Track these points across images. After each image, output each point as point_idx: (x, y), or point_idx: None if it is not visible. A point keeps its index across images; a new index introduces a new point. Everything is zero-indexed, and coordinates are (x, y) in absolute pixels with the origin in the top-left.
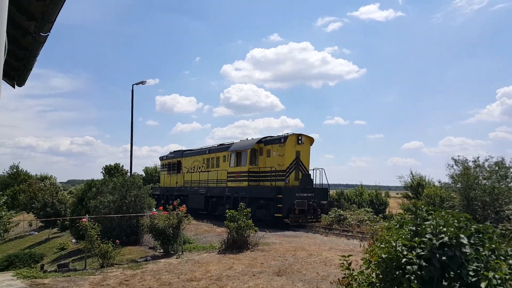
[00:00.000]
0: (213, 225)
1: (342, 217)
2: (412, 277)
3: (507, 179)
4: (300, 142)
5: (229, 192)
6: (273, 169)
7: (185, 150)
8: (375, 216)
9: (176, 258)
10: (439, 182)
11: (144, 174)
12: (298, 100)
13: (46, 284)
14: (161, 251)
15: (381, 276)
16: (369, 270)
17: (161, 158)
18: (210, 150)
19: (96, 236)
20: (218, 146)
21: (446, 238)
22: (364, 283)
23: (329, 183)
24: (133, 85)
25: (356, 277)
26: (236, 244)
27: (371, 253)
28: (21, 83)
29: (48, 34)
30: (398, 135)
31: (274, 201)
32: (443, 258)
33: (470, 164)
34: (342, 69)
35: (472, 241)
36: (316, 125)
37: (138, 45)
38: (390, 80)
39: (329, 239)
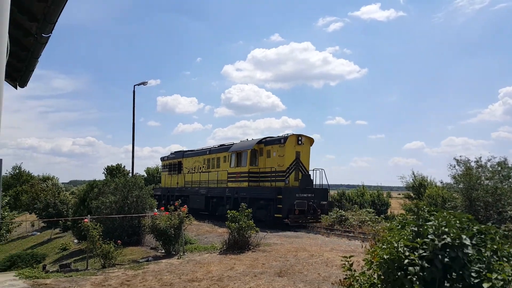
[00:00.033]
0: (214, 225)
1: (343, 217)
2: (414, 278)
3: (510, 180)
4: (300, 142)
5: (229, 193)
6: (273, 170)
7: (186, 151)
8: (376, 216)
9: (178, 258)
10: (441, 182)
11: (145, 175)
12: (299, 100)
13: (48, 284)
14: (163, 251)
15: (382, 277)
16: (370, 271)
17: (162, 159)
18: (211, 150)
19: (98, 236)
20: (218, 146)
21: (448, 239)
22: (366, 284)
23: (330, 183)
24: (134, 85)
25: (357, 278)
26: (237, 245)
27: (373, 254)
28: (23, 84)
29: (50, 35)
30: (400, 135)
31: (274, 202)
32: (446, 259)
33: (472, 164)
34: (343, 69)
35: (474, 242)
36: (317, 125)
37: (139, 45)
38: (392, 80)
39: (330, 240)
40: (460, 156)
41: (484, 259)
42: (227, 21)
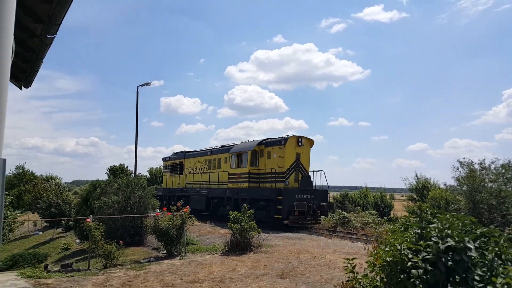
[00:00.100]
0: (216, 226)
1: (346, 219)
2: (417, 281)
3: None
4: (300, 144)
5: (230, 194)
6: (273, 171)
7: (188, 152)
8: (379, 218)
9: (179, 259)
10: (445, 184)
11: (148, 175)
12: (302, 101)
13: (49, 284)
14: (164, 252)
15: (385, 280)
16: (373, 273)
17: (164, 159)
18: (212, 151)
19: (100, 236)
20: (219, 147)
21: (452, 242)
22: (369, 287)
23: (333, 184)
24: (138, 86)
25: (360, 280)
26: (239, 246)
27: (376, 256)
28: (27, 84)
29: (55, 36)
30: (403, 136)
31: (274, 203)
32: (449, 262)
33: (476, 166)
34: (346, 70)
35: (477, 245)
36: (320, 126)
37: (143, 47)
38: (395, 81)
39: (333, 242)
40: (464, 158)
41: (487, 262)
42: (230, 22)
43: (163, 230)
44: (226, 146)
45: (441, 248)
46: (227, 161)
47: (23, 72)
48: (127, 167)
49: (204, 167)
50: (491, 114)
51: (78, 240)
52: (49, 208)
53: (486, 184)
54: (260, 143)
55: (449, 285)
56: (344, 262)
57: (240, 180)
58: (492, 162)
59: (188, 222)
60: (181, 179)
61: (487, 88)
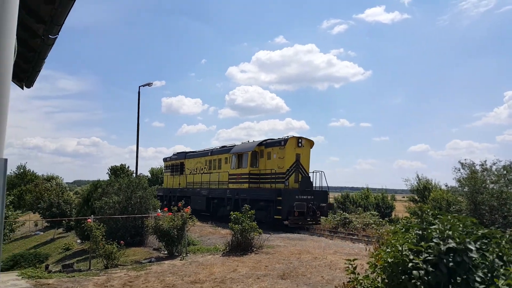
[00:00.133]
0: (217, 227)
1: (347, 220)
2: (418, 282)
3: None
4: (300, 145)
5: (230, 194)
6: (273, 172)
7: (188, 152)
8: (381, 219)
9: (180, 259)
10: (446, 185)
11: (149, 175)
12: (303, 102)
13: (50, 284)
14: (166, 252)
15: (386, 281)
16: (374, 274)
17: (165, 160)
18: (212, 152)
19: (101, 236)
20: (220, 148)
21: (453, 244)
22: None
23: (334, 185)
24: (139, 87)
25: (361, 281)
26: (240, 247)
27: (377, 257)
28: (29, 84)
29: (57, 37)
30: (404, 137)
31: (274, 203)
32: (450, 263)
33: (477, 167)
34: (348, 71)
35: (478, 246)
36: (321, 127)
37: (144, 47)
38: (396, 83)
39: (334, 243)
40: (465, 160)
41: (487, 263)
42: (232, 23)
43: (164, 231)
44: (226, 146)
45: (442, 249)
46: (228, 162)
47: (25, 72)
48: (128, 167)
49: (205, 168)
50: (493, 115)
51: (79, 240)
52: (50, 208)
53: (487, 186)
54: (260, 144)
55: (450, 286)
56: (345, 263)
57: (240, 180)
58: (494, 164)
59: (189, 223)
60: (181, 179)
61: (489, 89)
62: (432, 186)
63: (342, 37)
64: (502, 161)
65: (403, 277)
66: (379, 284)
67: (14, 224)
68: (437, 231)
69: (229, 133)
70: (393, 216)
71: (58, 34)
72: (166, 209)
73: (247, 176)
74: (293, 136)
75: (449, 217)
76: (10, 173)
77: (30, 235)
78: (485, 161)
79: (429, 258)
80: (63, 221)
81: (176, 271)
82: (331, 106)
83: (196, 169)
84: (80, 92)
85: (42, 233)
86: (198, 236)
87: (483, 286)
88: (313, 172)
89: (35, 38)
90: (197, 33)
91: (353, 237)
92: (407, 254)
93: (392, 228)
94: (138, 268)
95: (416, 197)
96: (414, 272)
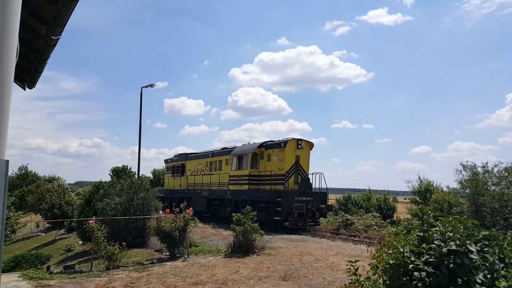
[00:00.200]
0: (219, 228)
1: (349, 221)
2: (419, 284)
3: None
4: (300, 147)
5: (230, 195)
6: (273, 173)
7: (189, 153)
8: (382, 221)
9: (182, 261)
10: (448, 187)
11: (152, 176)
12: (305, 103)
13: (52, 285)
14: (167, 254)
15: (388, 282)
16: (376, 276)
17: (166, 161)
18: (213, 153)
19: (102, 238)
20: (220, 149)
21: (454, 246)
22: None
23: (336, 187)
24: (142, 88)
25: (363, 282)
26: (242, 248)
27: (378, 259)
28: (31, 85)
29: (59, 38)
30: (406, 139)
31: (273, 205)
32: (451, 265)
33: (479, 169)
34: (350, 73)
35: (478, 248)
36: (323, 128)
37: (147, 48)
38: (398, 84)
39: (336, 244)
40: (467, 161)
41: (488, 264)
42: (235, 24)
43: (166, 232)
44: (227, 148)
45: (443, 251)
46: (228, 163)
47: (27, 73)
48: (130, 168)
49: (206, 169)
50: (495, 117)
51: (80, 242)
52: (52, 209)
53: (489, 187)
54: (261, 145)
55: (451, 287)
56: (347, 265)
57: (240, 182)
58: (495, 166)
59: (191, 224)
60: (182, 180)
61: (491, 92)
62: (433, 188)
63: (345, 39)
64: (504, 163)
65: (404, 278)
66: (380, 286)
67: (16, 225)
68: (438, 232)
69: (232, 134)
70: (394, 217)
71: (60, 35)
72: (168, 210)
73: (247, 177)
74: (293, 138)
75: (450, 219)
76: (12, 174)
77: (32, 236)
78: (487, 163)
79: (430, 259)
80: (65, 222)
81: (178, 273)
82: (333, 107)
83: (197, 170)
84: (82, 93)
85: (43, 234)
86: (200, 237)
87: (484, 287)
88: (312, 173)
89: (38, 39)
90: (199, 34)
91: (355, 239)
92: (409, 255)
93: (394, 229)
94: (140, 270)
95: (418, 199)
96: (415, 273)
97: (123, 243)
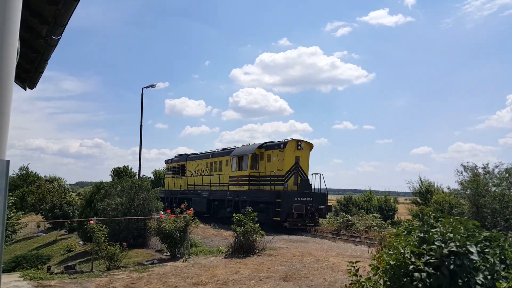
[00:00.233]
0: (220, 229)
1: (350, 222)
2: (420, 285)
3: None
4: (299, 147)
5: (230, 196)
6: (272, 174)
7: (190, 154)
8: (383, 222)
9: (183, 261)
10: (448, 188)
11: (152, 177)
12: (306, 104)
13: (52, 286)
14: (168, 254)
15: (388, 283)
16: (376, 276)
17: (167, 162)
18: (213, 154)
19: (103, 238)
20: (221, 150)
21: (454, 247)
22: None
23: (337, 188)
24: (143, 88)
25: (363, 283)
26: (243, 249)
27: (379, 260)
28: (32, 85)
29: (60, 38)
30: (407, 140)
31: (273, 205)
32: (452, 266)
33: (480, 170)
34: (351, 74)
35: (479, 249)
36: (324, 129)
37: (148, 48)
38: (399, 85)
39: (336, 245)
40: (468, 162)
41: (489, 265)
42: (236, 25)
43: (166, 232)
44: (227, 149)
45: (444, 252)
46: (228, 164)
47: (28, 73)
48: (131, 169)
49: (206, 170)
50: (495, 118)
51: (81, 242)
52: (53, 210)
53: (489, 189)
54: (260, 146)
55: None
56: (347, 265)
57: (240, 182)
58: (496, 167)
59: (192, 225)
60: (183, 181)
61: (491, 93)
62: (434, 189)
63: (346, 40)
64: (505, 164)
65: (405, 279)
66: (381, 286)
67: (17, 225)
68: (439, 233)
69: (233, 135)
70: (395, 218)
71: (61, 35)
72: (168, 210)
73: (247, 178)
74: (293, 139)
75: (451, 219)
76: (13, 174)
77: (33, 237)
78: (488, 164)
79: (431, 260)
80: (66, 223)
81: (178, 273)
82: (334, 108)
83: (197, 171)
84: (83, 93)
85: (44, 234)
86: (200, 238)
87: None
88: (312, 174)
89: (38, 39)
90: (201, 34)
91: (356, 240)
92: (409, 256)
93: (394, 230)
94: (140, 270)
95: (419, 200)
96: (416, 274)
97: (124, 243)
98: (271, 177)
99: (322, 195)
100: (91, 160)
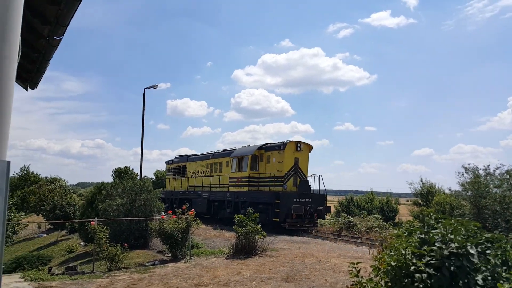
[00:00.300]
0: (222, 229)
1: (351, 223)
2: (421, 286)
3: None
4: (299, 149)
5: (230, 197)
6: (272, 175)
7: (190, 155)
8: (384, 223)
9: (184, 262)
10: (449, 189)
11: (154, 178)
12: (308, 105)
13: (53, 286)
14: (169, 255)
15: (389, 284)
16: (378, 277)
17: (167, 163)
18: (214, 155)
19: (104, 239)
20: (221, 151)
21: (454, 249)
22: None
23: (339, 189)
24: (144, 89)
25: (365, 284)
26: (244, 250)
27: (380, 261)
28: (34, 85)
29: (62, 38)
30: (409, 141)
31: (272, 206)
32: (452, 267)
33: (481, 172)
34: (353, 75)
35: (480, 250)
36: (326, 130)
37: (150, 49)
38: (401, 87)
39: (338, 246)
40: (469, 164)
41: (489, 266)
42: (238, 26)
43: (168, 233)
44: (227, 150)
45: (444, 253)
46: (228, 165)
47: (29, 73)
48: (132, 169)
49: (206, 171)
50: (497, 120)
51: (82, 243)
52: (54, 210)
53: (490, 190)
54: (260, 147)
55: None
56: (348, 266)
57: (240, 183)
58: (497, 168)
59: (193, 226)
60: (183, 182)
61: (493, 94)
62: (435, 190)
63: (348, 41)
64: (506, 166)
65: (406, 280)
66: (382, 287)
67: (17, 226)
68: (439, 235)
69: (234, 136)
70: (397, 219)
71: (63, 35)
72: (170, 211)
73: (247, 179)
74: (292, 141)
75: (452, 221)
76: (13, 174)
77: (33, 237)
78: (489, 165)
79: (432, 261)
80: (67, 223)
81: (179, 274)
82: (336, 109)
83: (198, 172)
84: (85, 93)
85: (45, 235)
86: (202, 239)
87: None
88: (311, 175)
89: (40, 39)
90: (203, 35)
91: (357, 241)
92: (410, 257)
93: (396, 231)
94: (141, 271)
95: (420, 201)
96: (417, 275)
97: (125, 244)
98: (270, 178)
99: (321, 196)
100: (92, 160)
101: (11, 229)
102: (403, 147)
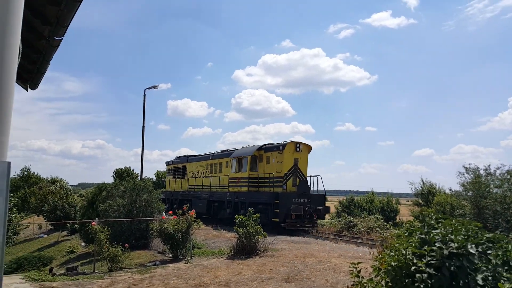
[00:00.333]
0: (222, 230)
1: (352, 223)
2: (422, 286)
3: None
4: (298, 149)
5: (230, 197)
6: (271, 175)
7: (190, 156)
8: (385, 223)
9: (185, 263)
10: (450, 190)
11: (155, 178)
12: (309, 106)
13: (54, 287)
14: (170, 255)
15: (390, 284)
16: (378, 277)
17: (167, 163)
18: (214, 156)
19: (105, 239)
20: (221, 152)
21: (454, 249)
22: None
23: (339, 189)
24: (145, 89)
25: (365, 284)
26: (245, 250)
27: (381, 261)
28: (34, 86)
29: (62, 38)
30: (409, 142)
31: (271, 206)
32: (452, 267)
33: (481, 172)
34: (354, 76)
35: (481, 250)
36: (327, 131)
37: (151, 50)
38: (402, 87)
39: (338, 246)
40: (469, 164)
41: (490, 266)
42: (239, 26)
43: (168, 234)
44: (227, 151)
45: (445, 253)
46: (228, 166)
47: (30, 74)
48: (133, 170)
49: (206, 171)
50: (497, 120)
51: (83, 243)
52: (54, 211)
53: (491, 190)
54: (260, 148)
55: None
56: (349, 266)
57: (240, 184)
58: (498, 168)
59: (194, 226)
60: (183, 182)
61: (493, 95)
62: (436, 190)
63: (349, 42)
64: (506, 166)
65: (406, 280)
66: (382, 287)
67: (18, 226)
68: (440, 235)
69: (235, 136)
70: (397, 220)
71: (63, 36)
72: (171, 212)
73: (247, 179)
74: (291, 141)
75: (453, 221)
76: (14, 175)
77: (34, 238)
78: (489, 165)
79: (432, 261)
80: (68, 224)
81: (180, 274)
82: (337, 110)
83: (198, 172)
84: (85, 94)
85: (46, 236)
86: (203, 239)
87: None
88: (310, 176)
89: (40, 39)
90: (203, 36)
91: (358, 241)
92: (411, 257)
93: (396, 232)
94: (142, 271)
95: (420, 201)
96: (417, 275)
97: (126, 245)
98: (270, 178)
99: (320, 196)
100: (93, 161)
101: (12, 230)
102: (404, 147)
